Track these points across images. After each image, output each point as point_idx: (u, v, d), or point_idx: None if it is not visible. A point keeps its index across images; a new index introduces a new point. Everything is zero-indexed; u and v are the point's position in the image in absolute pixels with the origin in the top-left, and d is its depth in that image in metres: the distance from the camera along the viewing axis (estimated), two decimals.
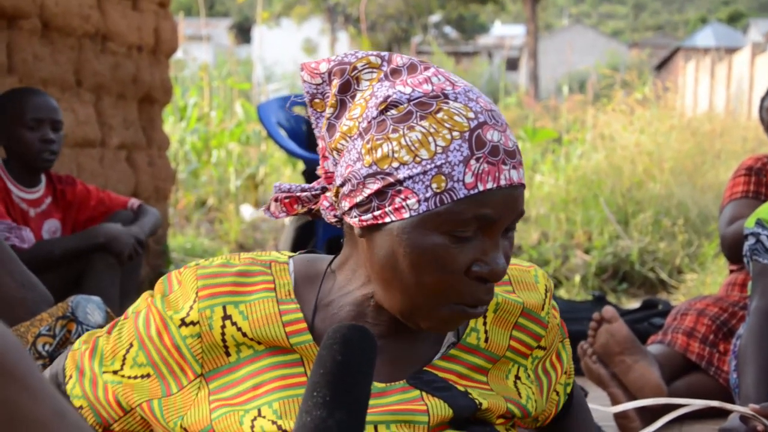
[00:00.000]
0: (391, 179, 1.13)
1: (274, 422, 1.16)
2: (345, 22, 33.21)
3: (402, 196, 1.13)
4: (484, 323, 1.28)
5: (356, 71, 1.19)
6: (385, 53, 1.22)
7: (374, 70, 1.19)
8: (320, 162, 1.24)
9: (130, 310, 1.28)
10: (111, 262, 3.30)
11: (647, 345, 3.29)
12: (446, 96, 1.15)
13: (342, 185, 1.19)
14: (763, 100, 3.16)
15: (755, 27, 32.04)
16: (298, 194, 1.28)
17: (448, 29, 38.70)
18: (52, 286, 2.73)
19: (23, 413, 0.72)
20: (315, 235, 4.76)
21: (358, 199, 1.16)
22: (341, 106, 1.20)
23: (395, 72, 1.18)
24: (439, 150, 1.12)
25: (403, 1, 32.92)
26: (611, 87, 12.84)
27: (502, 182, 1.13)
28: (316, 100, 1.23)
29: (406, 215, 1.13)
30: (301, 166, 7.79)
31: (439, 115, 1.13)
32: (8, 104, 3.25)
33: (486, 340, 1.27)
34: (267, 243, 7.66)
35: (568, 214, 7.52)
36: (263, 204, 9.52)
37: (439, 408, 1.20)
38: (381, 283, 1.18)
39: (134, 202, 3.62)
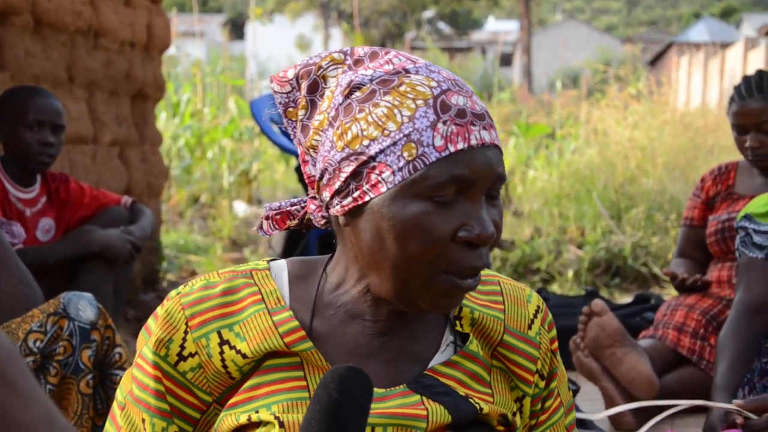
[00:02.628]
0: (363, 157, 1.14)
1: (272, 414, 1.16)
2: (338, 18, 33.17)
3: (377, 171, 1.13)
4: (473, 332, 1.28)
5: (321, 70, 1.20)
6: (347, 48, 1.23)
7: (338, 65, 1.20)
8: (303, 170, 1.25)
9: (122, 396, 1.25)
10: (104, 261, 3.30)
11: (638, 340, 3.30)
12: (407, 71, 1.16)
13: (321, 177, 1.19)
14: (730, 99, 3.17)
15: (748, 22, 32.08)
16: (288, 209, 1.29)
17: (441, 25, 38.67)
18: (44, 283, 2.73)
19: (12, 417, 0.72)
20: (307, 232, 4.75)
21: (337, 185, 1.17)
22: (312, 106, 1.21)
23: (358, 62, 1.20)
24: (406, 120, 1.12)
25: None
26: (605, 82, 12.86)
27: (473, 142, 1.13)
28: (290, 109, 1.24)
29: (384, 189, 1.13)
30: (293, 162, 7.79)
31: (402, 88, 1.14)
32: (12, 102, 3.23)
33: (481, 348, 1.27)
34: (260, 239, 7.66)
35: (561, 210, 7.53)
36: (257, 200, 9.51)
37: (438, 414, 1.19)
38: (372, 268, 1.18)
39: (127, 199, 3.62)
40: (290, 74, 1.22)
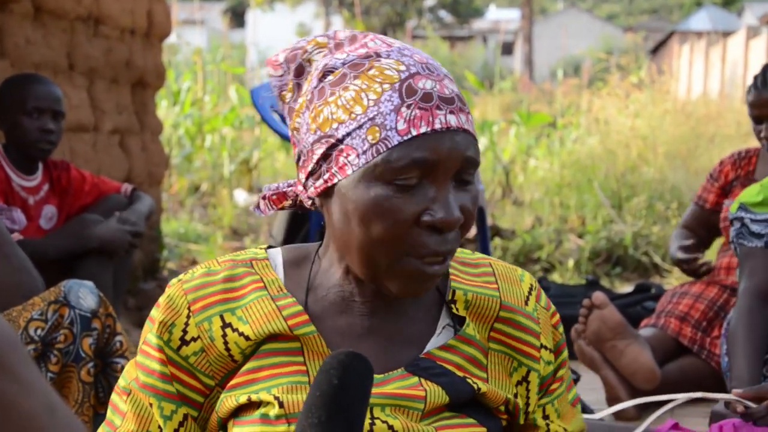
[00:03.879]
0: (332, 140, 1.15)
1: (273, 395, 1.17)
2: (339, 5, 33.08)
3: (344, 154, 1.15)
4: (468, 314, 1.28)
5: (307, 54, 1.23)
6: (331, 31, 1.25)
7: (322, 48, 1.22)
8: (294, 153, 1.27)
9: (125, 383, 1.26)
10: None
11: (639, 329, 3.30)
12: (378, 55, 1.17)
13: (298, 159, 1.22)
14: (748, 89, 3.16)
15: (750, 10, 31.98)
16: (284, 190, 1.30)
17: (442, 13, 38.57)
18: (44, 271, 2.73)
19: (14, 405, 0.72)
20: (309, 220, 4.75)
21: (310, 167, 1.19)
22: (297, 89, 1.23)
23: (338, 45, 1.22)
24: (372, 103, 1.14)
25: None
26: (606, 71, 12.83)
27: (437, 125, 1.13)
28: (284, 93, 1.26)
29: (350, 171, 1.15)
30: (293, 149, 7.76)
31: (371, 72, 1.15)
32: (12, 90, 3.23)
33: (478, 331, 1.28)
34: (261, 228, 7.66)
35: (562, 199, 7.53)
36: (257, 189, 9.50)
37: (436, 394, 1.20)
38: (344, 249, 1.19)
39: (127, 187, 3.61)
40: (281, 58, 1.25)
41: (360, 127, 1.14)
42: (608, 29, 38.61)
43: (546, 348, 1.30)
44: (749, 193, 2.50)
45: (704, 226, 3.46)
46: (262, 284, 1.23)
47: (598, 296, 3.04)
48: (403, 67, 1.15)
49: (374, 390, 1.16)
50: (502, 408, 1.26)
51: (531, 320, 1.29)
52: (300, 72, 1.23)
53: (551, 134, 10.78)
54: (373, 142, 1.13)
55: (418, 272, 1.16)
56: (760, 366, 2.41)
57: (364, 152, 1.13)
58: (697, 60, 17.99)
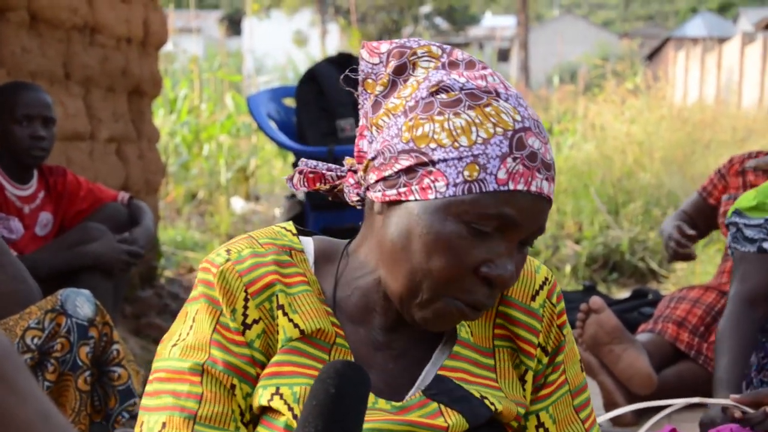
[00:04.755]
0: (425, 158, 1.14)
1: (290, 407, 1.16)
2: (335, 13, 33.12)
3: (432, 177, 1.13)
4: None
5: (415, 56, 1.20)
6: (447, 46, 1.23)
7: (433, 59, 1.20)
8: (356, 142, 1.24)
9: (190, 365, 1.18)
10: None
11: (637, 334, 3.30)
12: (498, 94, 1.16)
13: (374, 158, 1.19)
14: None
15: (745, 16, 32.06)
16: (323, 171, 1.28)
17: (438, 20, 38.63)
18: (44, 280, 2.72)
19: (9, 414, 0.72)
20: (305, 226, 4.75)
21: (387, 173, 1.17)
22: (392, 86, 1.20)
23: (453, 64, 1.19)
24: (480, 141, 1.12)
25: None
26: (602, 77, 12.85)
27: (533, 188, 1.13)
28: (369, 81, 1.23)
29: (432, 196, 1.13)
30: (291, 158, 7.77)
31: (488, 110, 1.14)
32: (0, 99, 3.22)
33: (471, 333, 1.27)
34: None
35: (559, 205, 7.53)
36: (254, 196, 9.51)
37: (458, 425, 1.19)
38: (388, 264, 1.18)
39: (124, 195, 3.58)
40: (383, 48, 1.22)
41: (460, 158, 1.12)
42: (604, 35, 38.69)
43: (542, 348, 1.29)
44: (745, 198, 2.51)
45: (702, 216, 3.47)
46: (306, 280, 1.22)
47: (595, 301, 3.04)
48: (519, 117, 1.14)
49: (395, 417, 1.17)
50: (514, 424, 1.25)
51: (533, 317, 1.28)
52: (401, 71, 1.20)
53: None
54: (469, 179, 1.12)
55: (458, 314, 1.16)
56: (743, 370, 2.42)
57: (456, 185, 1.12)
58: (693, 66, 18.03)
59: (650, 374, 2.97)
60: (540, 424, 1.29)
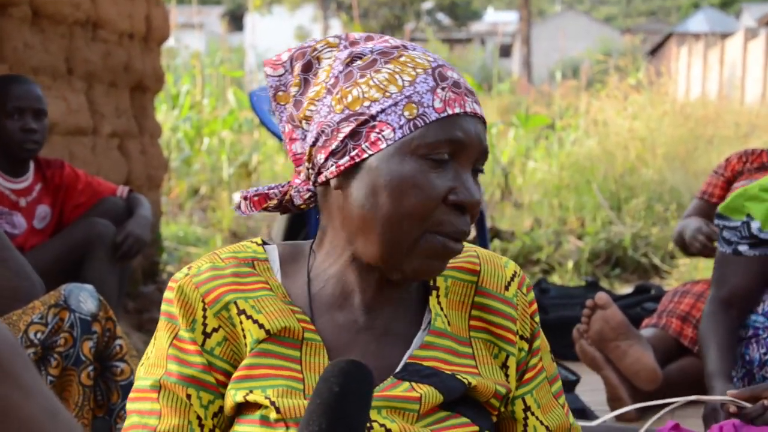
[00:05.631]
0: (364, 117, 1.20)
1: (267, 397, 1.18)
2: (337, 9, 33.11)
3: (377, 130, 1.19)
4: (442, 308, 1.29)
5: (316, 52, 1.26)
6: (342, 33, 1.29)
7: (333, 48, 1.26)
8: (288, 150, 1.29)
9: (152, 381, 1.23)
10: (110, 249, 3.26)
11: (641, 329, 3.30)
12: (406, 47, 1.24)
13: (315, 141, 1.23)
14: None
15: (748, 12, 32.02)
16: (266, 192, 1.32)
17: (441, 16, 38.60)
18: (50, 275, 2.72)
19: (16, 411, 0.72)
20: (308, 223, 4.75)
21: (334, 145, 1.21)
22: (305, 84, 1.26)
23: (354, 42, 1.27)
24: (407, 83, 1.20)
25: None
26: (604, 73, 12.84)
27: (468, 109, 1.20)
28: (280, 93, 1.28)
29: (383, 146, 1.19)
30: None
31: (402, 59, 1.22)
32: None
33: (449, 324, 1.29)
34: (260, 230, 7.66)
35: (561, 201, 7.53)
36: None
37: (430, 395, 1.21)
38: (361, 230, 1.21)
39: (123, 189, 3.57)
40: (284, 57, 1.28)
41: (396, 104, 1.19)
42: (606, 31, 38.64)
43: (520, 335, 1.31)
44: (730, 199, 2.52)
45: (707, 217, 3.46)
46: (268, 287, 1.25)
47: (601, 296, 3.04)
48: (431, 58, 1.23)
49: None
50: (494, 401, 1.27)
51: (509, 306, 1.31)
52: (308, 68, 1.26)
53: (550, 136, 10.78)
54: (411, 117, 1.18)
55: (443, 248, 1.20)
56: (731, 360, 2.44)
57: (401, 127, 1.18)
58: (696, 62, 18.01)
59: (656, 370, 2.97)
60: (527, 407, 1.32)
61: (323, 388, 1.03)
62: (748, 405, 2.07)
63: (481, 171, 1.24)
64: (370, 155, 1.19)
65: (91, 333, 2.16)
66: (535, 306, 1.35)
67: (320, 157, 1.23)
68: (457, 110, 1.19)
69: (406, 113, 1.18)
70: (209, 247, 6.79)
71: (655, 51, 29.34)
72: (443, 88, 1.20)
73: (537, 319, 1.35)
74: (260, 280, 1.25)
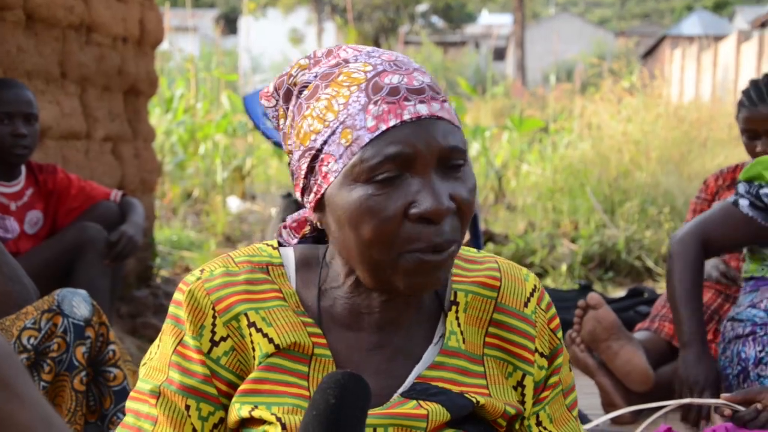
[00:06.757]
0: (313, 152, 1.17)
1: (273, 414, 1.17)
2: (332, 12, 33.10)
3: (325, 162, 1.16)
4: (459, 324, 1.27)
5: (292, 78, 1.23)
6: (312, 52, 1.25)
7: (305, 70, 1.23)
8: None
9: (152, 386, 1.22)
10: (102, 254, 3.25)
11: (634, 332, 3.31)
12: (347, 61, 1.19)
13: (292, 180, 1.23)
14: (739, 105, 3.15)
15: (741, 14, 32.08)
16: (305, 216, 1.31)
17: (435, 19, 38.62)
18: (42, 278, 2.71)
19: (11, 419, 0.72)
20: None
21: (302, 183, 1.20)
22: (287, 115, 1.24)
23: (316, 62, 1.23)
24: (341, 107, 1.15)
25: None
26: (598, 76, 12.85)
27: (405, 117, 1.13)
28: (279, 124, 1.27)
29: (332, 179, 1.16)
30: (287, 158, 7.79)
31: (339, 78, 1.17)
32: None
33: (464, 341, 1.26)
34: (254, 234, 7.65)
35: (555, 204, 7.54)
36: (250, 195, 9.51)
37: (437, 412, 1.19)
38: (349, 258, 1.19)
39: (117, 193, 3.56)
40: (271, 87, 1.26)
41: (333, 132, 1.15)
42: (600, 34, 38.70)
43: (540, 353, 1.29)
44: (747, 167, 2.54)
45: None
46: (281, 295, 1.23)
47: (593, 297, 3.06)
48: (369, 68, 1.16)
49: (377, 411, 1.17)
50: (501, 421, 1.25)
51: (527, 323, 1.28)
52: (288, 97, 1.23)
53: (544, 139, 10.79)
54: (347, 144, 1.14)
55: (421, 264, 1.14)
56: (702, 319, 2.52)
57: (341, 156, 1.14)
58: (689, 64, 18.04)
59: (647, 371, 2.98)
60: (539, 422, 1.31)
61: (320, 399, 1.03)
62: (741, 408, 2.07)
63: (460, 165, 1.16)
64: (326, 189, 1.17)
65: (84, 338, 2.15)
66: (556, 321, 1.32)
67: (298, 196, 1.23)
68: (391, 123, 1.12)
69: (343, 141, 1.14)
70: (203, 251, 6.77)
71: (648, 54, 29.39)
72: (375, 103, 1.13)
73: (559, 334, 1.32)
74: (273, 288, 1.23)
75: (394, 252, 1.14)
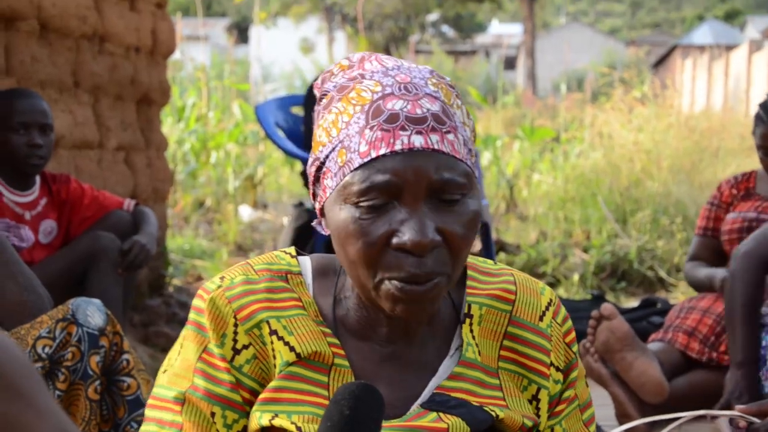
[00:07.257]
0: (318, 162, 1.18)
1: (293, 423, 1.16)
2: (342, 21, 33.17)
3: (326, 176, 1.17)
4: (473, 337, 1.26)
5: (333, 77, 1.22)
6: (357, 55, 1.23)
7: (346, 71, 1.22)
8: None
9: (175, 392, 1.21)
10: (115, 263, 3.25)
11: (648, 343, 3.30)
12: (363, 77, 1.17)
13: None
14: (756, 121, 3.14)
15: (752, 24, 32.04)
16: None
17: (445, 28, 38.67)
18: (55, 288, 2.72)
19: (27, 429, 0.72)
20: (313, 235, 4.75)
21: (312, 189, 1.22)
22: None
23: (350, 67, 1.22)
24: (344, 125, 1.14)
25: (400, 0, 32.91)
26: (609, 85, 12.83)
27: (397, 147, 1.11)
28: None
29: (328, 193, 1.17)
30: (298, 166, 7.79)
31: (351, 95, 1.16)
32: None
33: (479, 353, 1.26)
34: (266, 243, 7.66)
35: (567, 213, 7.52)
36: (262, 204, 9.52)
37: (457, 427, 1.18)
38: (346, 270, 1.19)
39: (130, 202, 3.57)
40: (319, 81, 1.25)
41: (333, 149, 1.15)
42: (611, 43, 38.70)
43: (555, 367, 1.28)
44: None
45: (714, 253, 3.43)
46: (301, 303, 1.22)
47: (606, 307, 3.05)
48: (378, 88, 1.14)
49: (395, 422, 1.17)
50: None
51: (542, 337, 1.27)
52: (321, 100, 1.23)
53: (555, 149, 10.79)
54: (341, 165, 1.14)
55: (399, 293, 1.12)
56: (756, 338, 2.45)
57: (335, 175, 1.15)
58: (700, 74, 18.01)
59: (662, 382, 2.96)
60: None
61: (334, 410, 1.03)
62: (756, 420, 2.06)
63: (455, 201, 1.13)
64: (325, 201, 1.18)
65: (98, 347, 2.16)
66: (572, 335, 1.31)
67: (311, 197, 1.24)
68: (381, 151, 1.10)
69: (339, 160, 1.14)
70: (215, 260, 6.79)
71: (659, 63, 29.36)
72: (371, 128, 1.11)
73: (575, 348, 1.31)
74: (293, 297, 1.22)
75: (378, 276, 1.14)
